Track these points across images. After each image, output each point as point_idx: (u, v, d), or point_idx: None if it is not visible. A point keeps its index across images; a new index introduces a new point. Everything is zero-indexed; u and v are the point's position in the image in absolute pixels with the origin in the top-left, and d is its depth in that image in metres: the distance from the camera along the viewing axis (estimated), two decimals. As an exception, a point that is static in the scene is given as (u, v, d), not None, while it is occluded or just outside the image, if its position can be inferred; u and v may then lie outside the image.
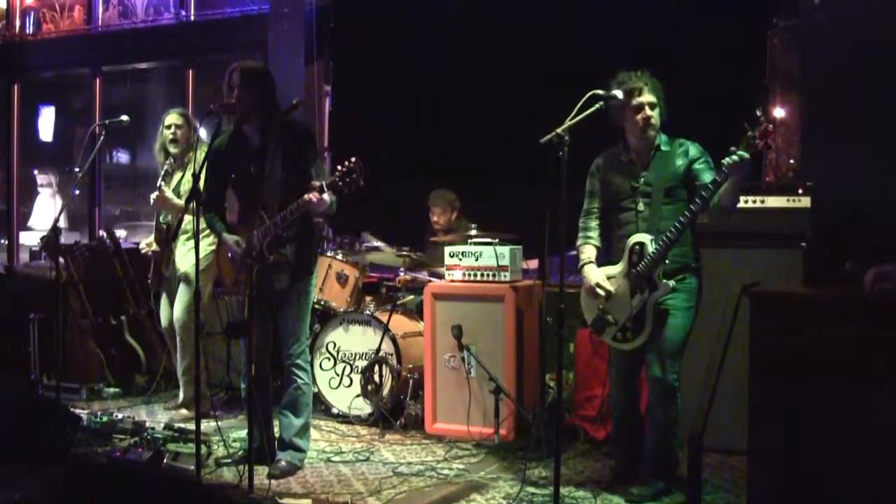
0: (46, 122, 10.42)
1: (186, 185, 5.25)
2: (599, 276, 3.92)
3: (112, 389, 6.12)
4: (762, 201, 4.57)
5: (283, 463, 4.26)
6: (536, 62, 5.94)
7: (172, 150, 5.41)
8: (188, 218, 4.87)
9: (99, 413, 4.92)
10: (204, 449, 4.38)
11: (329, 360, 5.43)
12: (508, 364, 4.84)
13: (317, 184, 3.97)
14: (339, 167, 3.92)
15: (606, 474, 4.23)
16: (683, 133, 3.94)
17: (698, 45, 5.38)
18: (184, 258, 5.36)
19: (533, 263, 5.89)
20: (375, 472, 4.34)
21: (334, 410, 5.39)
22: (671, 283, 3.76)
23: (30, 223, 10.11)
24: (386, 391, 5.19)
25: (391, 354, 5.21)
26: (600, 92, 3.69)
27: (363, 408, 5.28)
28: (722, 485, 4.09)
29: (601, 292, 3.89)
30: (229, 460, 4.40)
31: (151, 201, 5.37)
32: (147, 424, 4.78)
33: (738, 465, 4.18)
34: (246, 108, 4.10)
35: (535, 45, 5.98)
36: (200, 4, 8.40)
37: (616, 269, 3.91)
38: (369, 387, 5.21)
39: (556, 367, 4.35)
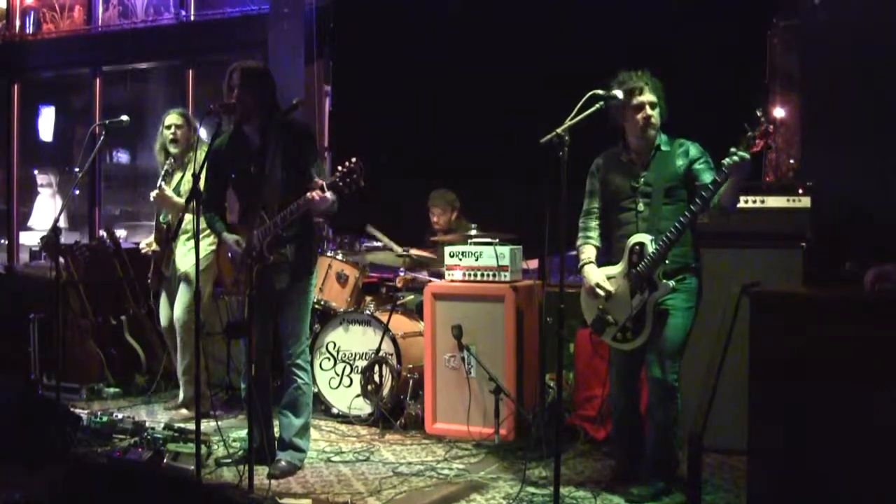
0: (46, 122, 10.43)
1: (186, 185, 5.26)
2: (599, 277, 3.92)
3: (112, 389, 6.12)
4: (762, 201, 4.57)
5: (283, 463, 4.26)
6: (536, 62, 5.94)
7: (172, 149, 5.42)
8: (188, 217, 4.88)
9: (99, 413, 4.92)
10: (204, 449, 4.38)
11: (329, 360, 5.43)
12: (508, 364, 4.84)
13: (319, 182, 3.97)
14: (339, 167, 3.92)
15: (606, 474, 4.23)
16: (683, 133, 3.94)
17: (698, 45, 5.38)
18: (184, 258, 5.37)
19: (533, 263, 5.89)
20: (375, 472, 4.34)
21: (334, 410, 5.39)
22: (671, 283, 3.76)
23: (30, 223, 10.11)
24: (386, 391, 5.19)
25: (391, 354, 5.21)
26: (600, 92, 3.69)
27: (363, 408, 5.28)
28: (722, 485, 4.09)
29: (601, 292, 3.89)
30: (229, 460, 4.40)
31: (152, 198, 5.38)
32: (147, 424, 4.79)
33: (738, 465, 4.18)
34: (246, 108, 4.10)
35: (535, 45, 5.98)
36: (200, 4, 8.40)
37: (616, 270, 3.91)
38: (369, 387, 5.21)
39: (556, 367, 4.35)
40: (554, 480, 3.55)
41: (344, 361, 5.40)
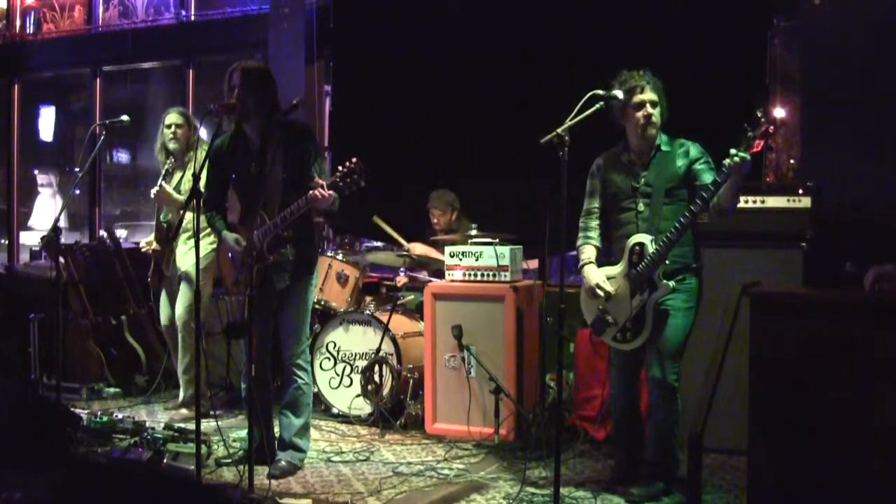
0: (46, 122, 10.43)
1: (187, 185, 5.26)
2: (599, 277, 3.92)
3: (112, 389, 6.12)
4: (762, 201, 4.57)
5: (283, 463, 4.26)
6: (537, 62, 5.94)
7: (172, 147, 5.42)
8: (189, 216, 4.88)
9: (99, 413, 4.91)
10: (204, 449, 4.38)
11: (329, 360, 5.43)
12: (508, 364, 4.84)
13: (319, 181, 3.97)
14: (339, 167, 3.92)
15: (606, 474, 4.22)
16: (683, 133, 3.94)
17: (698, 45, 5.38)
18: (184, 257, 5.37)
19: (533, 263, 5.90)
20: (375, 472, 4.34)
21: (334, 410, 5.39)
22: (671, 283, 3.76)
23: (30, 223, 10.12)
24: (386, 391, 5.18)
25: (391, 354, 5.21)
26: (600, 92, 3.70)
27: (363, 408, 5.28)
28: (722, 485, 4.08)
29: (601, 293, 3.89)
30: (229, 460, 4.40)
31: (152, 195, 5.39)
32: (147, 424, 4.78)
33: (738, 465, 4.18)
34: (246, 108, 4.10)
35: (535, 45, 5.98)
36: (200, 4, 8.41)
37: (616, 270, 3.91)
38: (369, 387, 5.21)
39: (556, 367, 4.35)
40: (554, 480, 3.55)
41: (344, 361, 5.40)
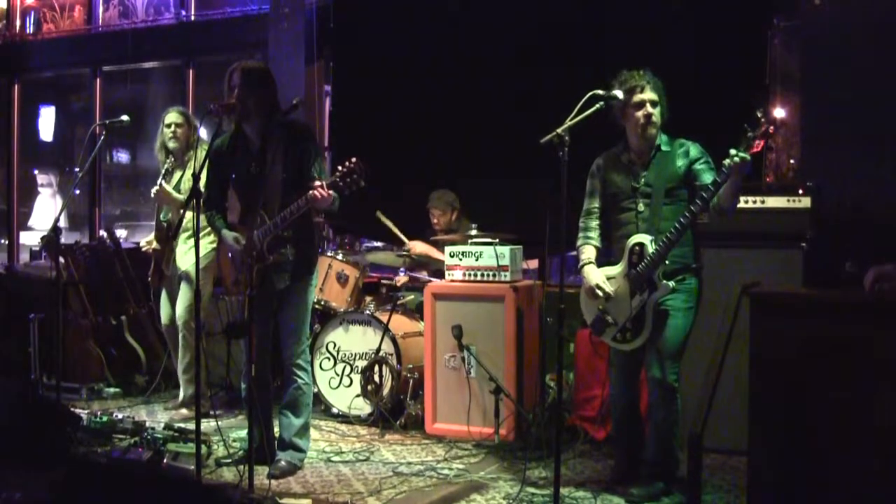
0: (46, 122, 10.43)
1: (187, 184, 5.27)
2: (599, 277, 3.92)
3: (112, 389, 6.12)
4: (762, 201, 4.57)
5: (283, 463, 4.26)
6: (537, 62, 5.94)
7: (172, 146, 5.42)
8: (189, 216, 4.88)
9: (99, 413, 4.91)
10: (204, 449, 4.38)
11: (329, 360, 5.43)
12: (508, 364, 4.84)
13: (319, 181, 3.96)
14: (339, 167, 3.92)
15: (606, 474, 4.22)
16: (684, 133, 3.94)
17: (698, 45, 5.38)
18: (184, 257, 5.37)
19: (533, 263, 5.89)
20: (375, 472, 4.34)
21: (334, 410, 5.39)
22: (671, 283, 3.76)
23: (30, 223, 10.12)
24: (386, 391, 5.18)
25: (391, 354, 5.21)
26: (600, 92, 3.69)
27: (363, 408, 5.28)
28: (722, 485, 4.08)
29: (601, 293, 3.89)
30: (229, 460, 4.40)
31: (152, 194, 5.40)
32: (147, 424, 4.78)
33: (738, 465, 4.18)
34: (246, 108, 4.10)
35: (535, 45, 5.98)
36: (200, 4, 8.41)
37: (616, 270, 3.91)
38: (369, 387, 5.21)
39: (556, 367, 4.35)
40: (554, 480, 3.55)
41: (344, 361, 5.40)
